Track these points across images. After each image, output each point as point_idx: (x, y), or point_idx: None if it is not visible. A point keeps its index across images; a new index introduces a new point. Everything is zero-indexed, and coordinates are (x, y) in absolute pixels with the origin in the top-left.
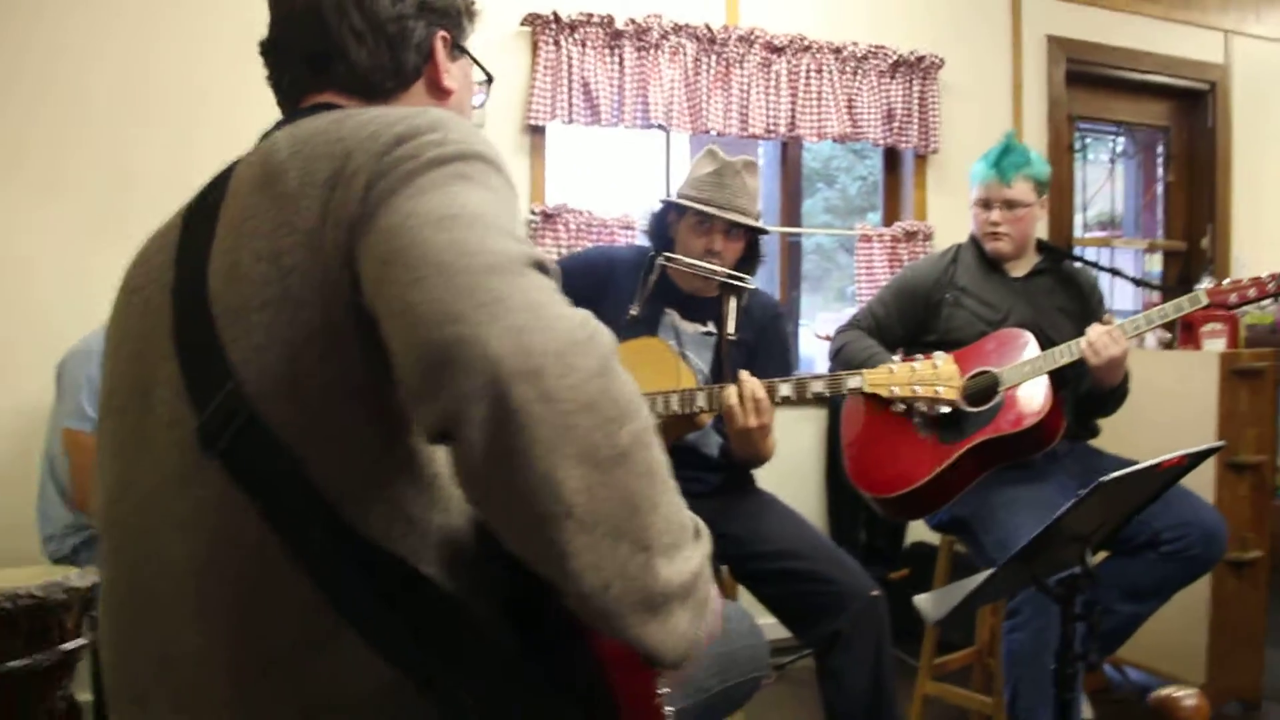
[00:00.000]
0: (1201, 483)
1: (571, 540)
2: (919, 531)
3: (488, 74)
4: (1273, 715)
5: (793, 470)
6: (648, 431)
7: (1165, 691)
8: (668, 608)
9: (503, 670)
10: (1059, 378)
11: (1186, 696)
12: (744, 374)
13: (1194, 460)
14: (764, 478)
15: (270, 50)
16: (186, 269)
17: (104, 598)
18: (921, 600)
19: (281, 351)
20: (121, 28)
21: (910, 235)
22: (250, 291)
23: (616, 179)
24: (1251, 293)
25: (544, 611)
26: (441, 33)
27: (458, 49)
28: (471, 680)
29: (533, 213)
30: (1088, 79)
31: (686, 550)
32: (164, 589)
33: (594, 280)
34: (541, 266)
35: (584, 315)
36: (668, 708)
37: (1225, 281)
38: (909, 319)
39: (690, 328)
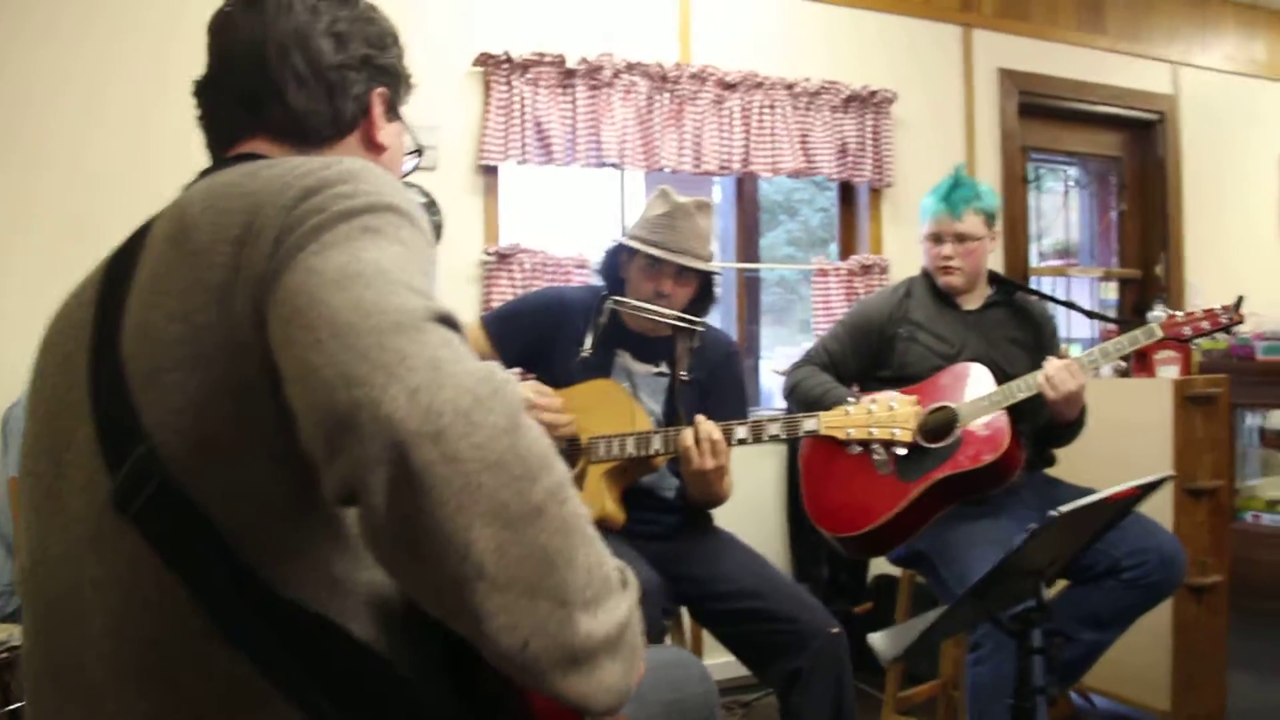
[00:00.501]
0: (1159, 509)
1: (485, 601)
2: (882, 565)
3: (419, 146)
4: None
5: (754, 507)
6: (563, 486)
7: None
8: (593, 661)
9: None
10: (1016, 411)
11: None
12: (700, 417)
13: (1145, 490)
14: (725, 515)
15: (206, 89)
16: (103, 328)
17: (24, 666)
18: (876, 639)
19: (196, 414)
20: (80, 71)
21: (866, 269)
22: (163, 352)
23: (571, 218)
24: (1205, 325)
25: (478, 666)
26: (381, 89)
27: (393, 111)
28: None
29: (487, 253)
30: (1040, 110)
31: (610, 601)
32: (85, 657)
33: (547, 321)
34: (446, 321)
35: (489, 369)
36: None
37: (1179, 314)
38: (863, 354)
39: (642, 369)
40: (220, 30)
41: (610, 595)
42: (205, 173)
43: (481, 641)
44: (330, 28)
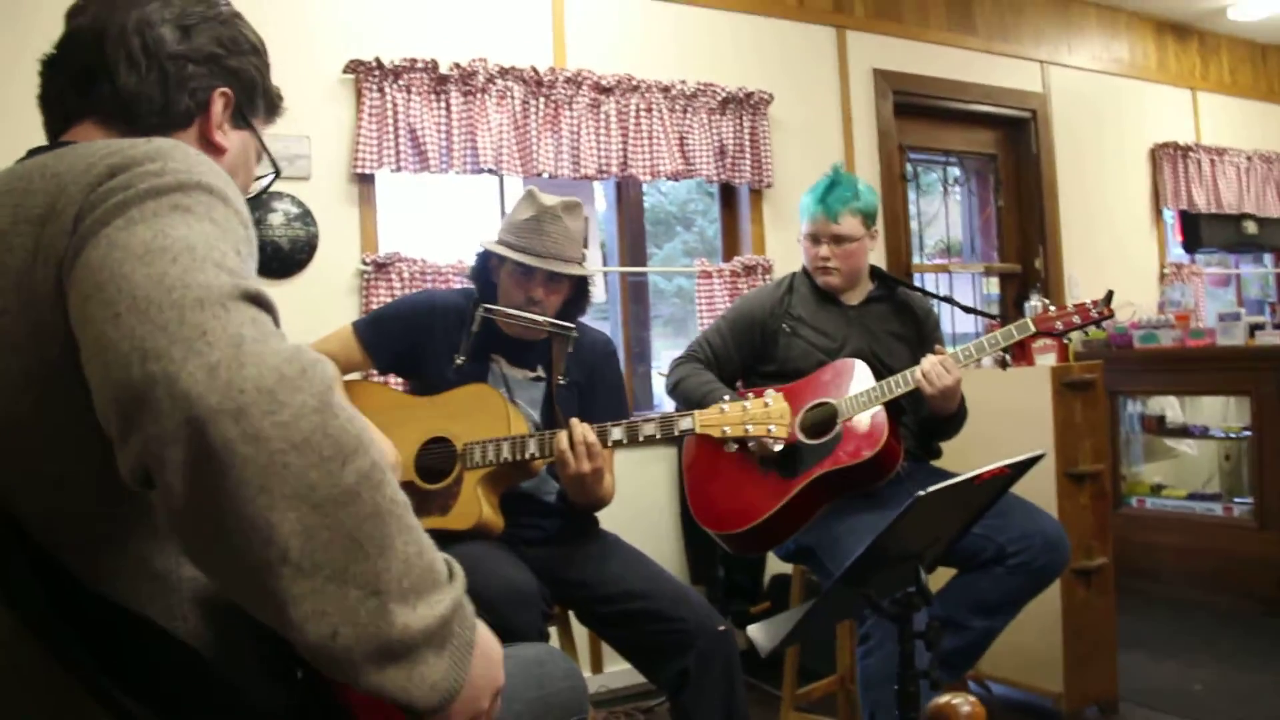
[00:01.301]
0: (1043, 495)
1: (290, 587)
2: (779, 565)
3: (276, 169)
4: (1130, 717)
5: (645, 510)
6: (378, 469)
7: (943, 699)
8: (414, 655)
9: None
10: (896, 406)
11: (963, 704)
12: (574, 420)
13: (1017, 470)
14: (617, 519)
15: (47, 69)
16: None
17: None
18: (754, 630)
19: None
20: None
21: (749, 269)
22: None
23: (451, 226)
24: (1076, 319)
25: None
26: (224, 89)
27: (243, 119)
28: None
29: (365, 262)
30: (916, 110)
31: (434, 594)
32: None
33: (419, 325)
34: (256, 300)
35: (296, 349)
36: None
37: (1052, 309)
38: (745, 349)
39: (518, 374)
40: (73, 14)
41: (433, 588)
42: (23, 159)
43: (289, 631)
44: (178, 19)
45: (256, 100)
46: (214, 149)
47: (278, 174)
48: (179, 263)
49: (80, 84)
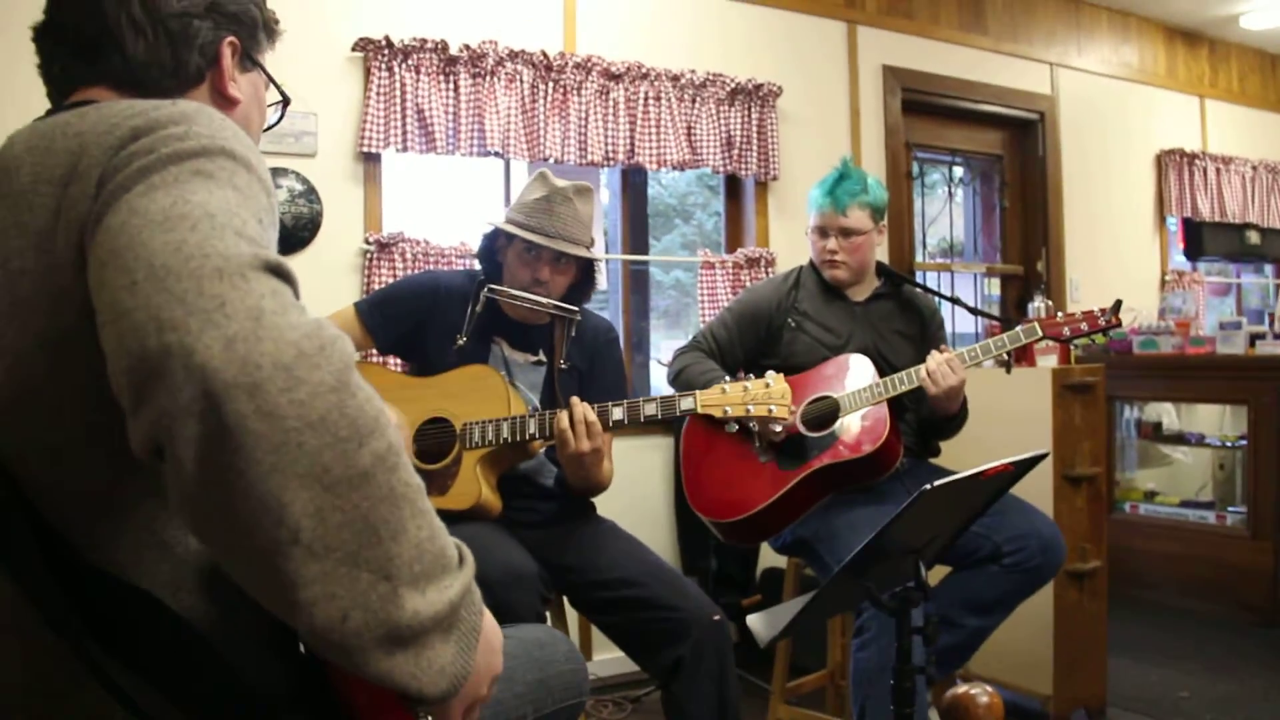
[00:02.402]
0: (1039, 496)
1: (300, 569)
2: (771, 558)
3: (284, 95)
4: None
5: (640, 498)
6: (393, 452)
7: (960, 689)
8: (421, 640)
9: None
10: (898, 404)
11: (981, 694)
12: (575, 399)
13: (1021, 468)
14: (611, 507)
15: (43, 36)
16: None
17: None
18: (754, 620)
19: (12, 364)
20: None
21: (752, 261)
22: None
23: (455, 207)
24: (1084, 326)
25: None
26: (230, 38)
27: (250, 60)
28: None
29: (368, 242)
30: (923, 108)
31: (445, 580)
32: None
33: (422, 306)
34: (277, 271)
35: (316, 323)
36: None
37: (1060, 315)
38: (749, 342)
39: (520, 357)
40: None
41: (444, 573)
42: (39, 120)
43: (297, 614)
44: None
45: (259, 37)
46: (228, 101)
47: (287, 101)
48: (198, 230)
49: (87, 55)
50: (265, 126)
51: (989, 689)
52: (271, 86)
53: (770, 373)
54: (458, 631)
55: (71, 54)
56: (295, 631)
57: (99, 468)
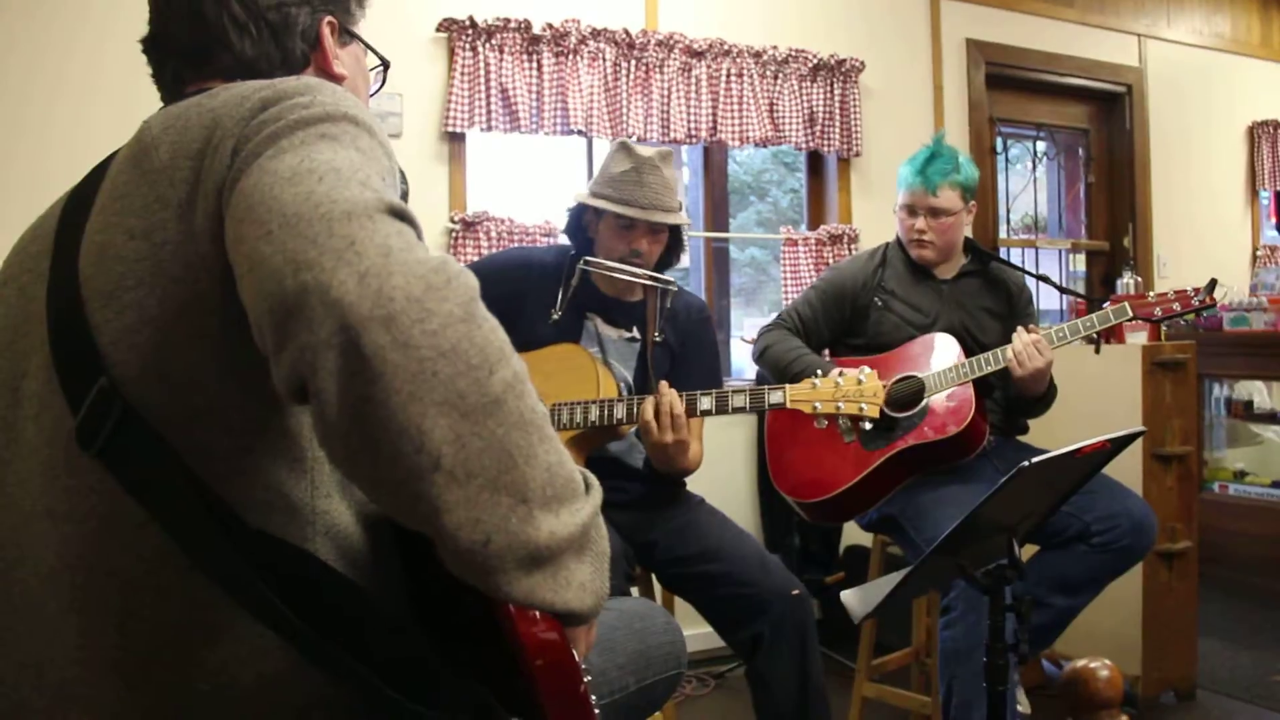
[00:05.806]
0: (1129, 474)
1: (443, 494)
2: (854, 535)
3: (382, 59)
4: (1207, 704)
5: (724, 476)
6: (521, 380)
7: (1079, 663)
8: (557, 561)
9: (410, 654)
10: (984, 384)
11: (1100, 668)
12: (663, 385)
13: (1117, 445)
14: (695, 484)
15: (151, 46)
16: (61, 255)
17: None
18: (848, 596)
19: (152, 333)
20: (79, 49)
21: (835, 239)
22: (122, 270)
23: (538, 186)
24: (1176, 306)
25: (450, 605)
26: (328, 18)
27: (347, 34)
28: (381, 668)
29: (453, 221)
30: (1007, 82)
31: (575, 503)
32: (37, 589)
33: (510, 284)
34: (400, 214)
35: (442, 259)
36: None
37: (1151, 294)
38: (835, 321)
39: (614, 333)
40: None
41: (574, 496)
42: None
43: (441, 538)
44: None
45: (351, 9)
46: (334, 79)
47: (387, 65)
48: (325, 181)
49: (198, 59)
50: (370, 93)
51: (1108, 663)
52: (370, 53)
53: (864, 369)
54: (590, 553)
55: (183, 61)
56: (416, 602)
57: (237, 429)
